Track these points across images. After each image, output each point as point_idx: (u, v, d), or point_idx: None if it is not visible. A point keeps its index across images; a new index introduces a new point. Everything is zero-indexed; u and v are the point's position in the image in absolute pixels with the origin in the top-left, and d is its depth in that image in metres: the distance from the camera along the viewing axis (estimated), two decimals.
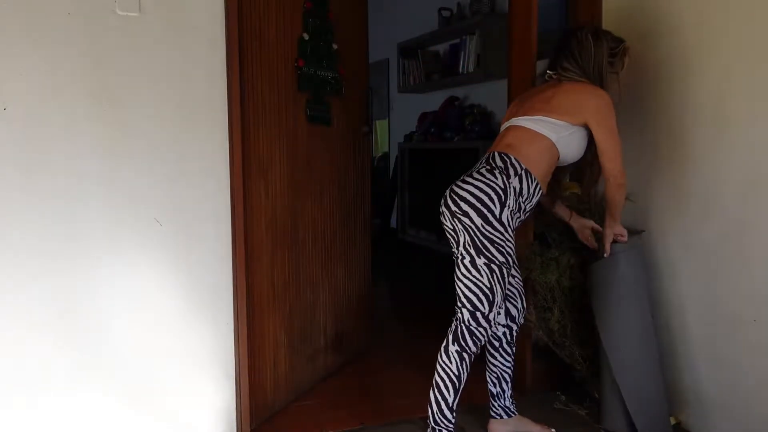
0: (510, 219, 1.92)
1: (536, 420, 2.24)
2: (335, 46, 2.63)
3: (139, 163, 1.97)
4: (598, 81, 2.05)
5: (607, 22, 2.49)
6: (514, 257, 1.98)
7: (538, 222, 2.52)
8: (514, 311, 2.14)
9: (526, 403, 2.39)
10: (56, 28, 1.84)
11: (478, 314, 1.92)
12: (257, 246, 2.22)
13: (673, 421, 2.26)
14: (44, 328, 1.89)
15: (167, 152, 2.01)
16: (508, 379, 2.21)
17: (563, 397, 2.46)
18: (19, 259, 1.85)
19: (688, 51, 2.16)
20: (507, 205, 1.91)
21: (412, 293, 4.44)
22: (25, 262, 1.85)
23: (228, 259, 2.12)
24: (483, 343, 1.98)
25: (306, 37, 2.45)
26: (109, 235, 1.95)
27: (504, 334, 2.15)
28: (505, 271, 1.93)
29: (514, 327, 2.17)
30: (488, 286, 1.91)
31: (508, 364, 2.19)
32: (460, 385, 1.97)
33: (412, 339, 3.38)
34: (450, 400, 1.97)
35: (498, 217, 1.89)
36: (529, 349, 2.54)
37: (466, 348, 1.94)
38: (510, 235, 1.93)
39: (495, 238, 1.89)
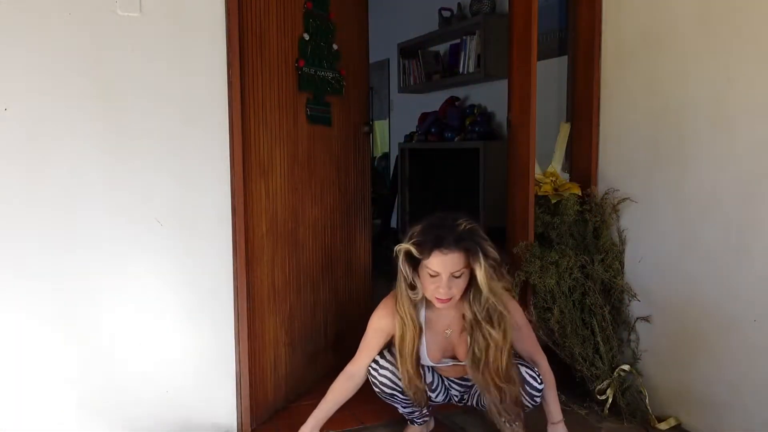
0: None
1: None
2: (336, 47, 2.63)
3: (140, 163, 1.98)
4: None
5: (607, 23, 2.49)
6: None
7: (538, 222, 2.52)
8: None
9: None
10: (57, 29, 1.84)
11: None
12: (258, 246, 2.23)
13: (673, 422, 2.26)
14: (44, 329, 1.90)
15: (168, 152, 2.01)
16: None
17: (563, 397, 2.45)
18: (19, 259, 1.85)
19: (688, 51, 2.17)
20: None
21: None
22: (25, 263, 1.86)
23: (228, 259, 2.12)
24: None
25: (307, 37, 2.45)
26: (109, 235, 1.95)
27: None
28: None
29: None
30: None
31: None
32: None
33: None
34: None
35: None
36: None
37: None
38: None
39: None
